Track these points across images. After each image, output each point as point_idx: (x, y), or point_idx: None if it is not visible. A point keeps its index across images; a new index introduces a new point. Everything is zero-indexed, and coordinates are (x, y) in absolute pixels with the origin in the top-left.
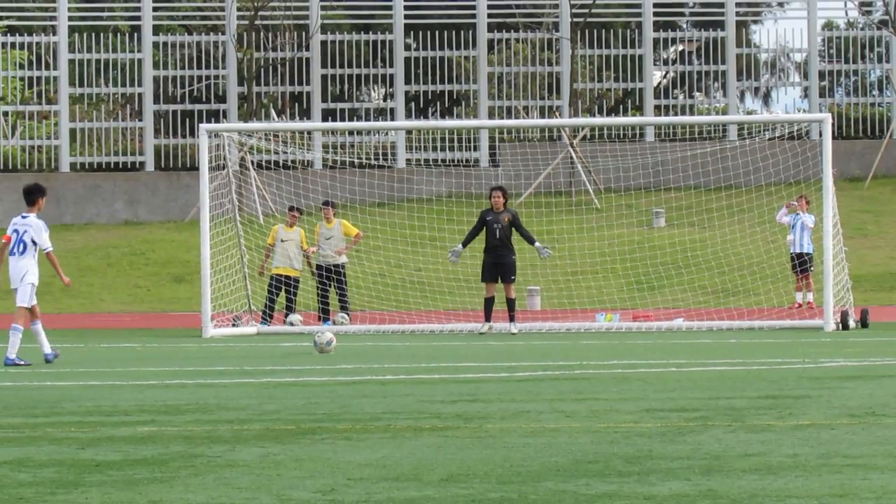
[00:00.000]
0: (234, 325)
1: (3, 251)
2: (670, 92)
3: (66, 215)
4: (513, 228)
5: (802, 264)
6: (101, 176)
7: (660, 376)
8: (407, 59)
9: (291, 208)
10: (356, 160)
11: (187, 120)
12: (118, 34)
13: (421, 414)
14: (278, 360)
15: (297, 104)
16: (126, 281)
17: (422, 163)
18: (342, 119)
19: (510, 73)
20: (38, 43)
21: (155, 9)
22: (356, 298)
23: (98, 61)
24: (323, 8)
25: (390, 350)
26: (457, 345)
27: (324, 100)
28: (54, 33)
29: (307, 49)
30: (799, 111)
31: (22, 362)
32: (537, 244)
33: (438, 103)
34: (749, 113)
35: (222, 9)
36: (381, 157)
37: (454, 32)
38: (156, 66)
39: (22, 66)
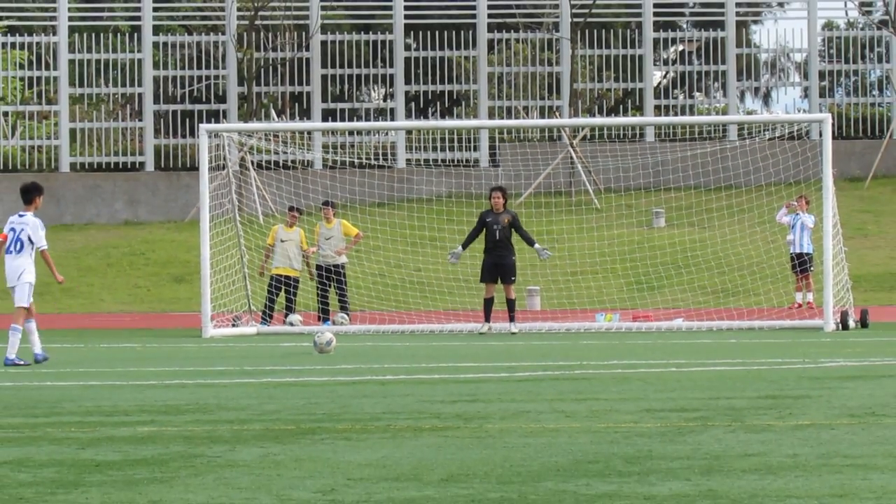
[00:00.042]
0: (233, 326)
1: None
2: (670, 92)
3: (66, 215)
4: (512, 229)
5: (802, 264)
6: (101, 176)
7: (660, 376)
8: (407, 59)
9: (291, 208)
10: (356, 160)
11: (187, 120)
12: (118, 34)
13: (421, 414)
14: (278, 360)
15: (297, 104)
16: (126, 281)
17: (422, 163)
18: (342, 119)
19: (510, 73)
20: (38, 43)
21: (155, 9)
22: (356, 298)
23: (98, 61)
24: (323, 8)
25: (390, 350)
26: (457, 345)
27: (324, 100)
28: (54, 33)
29: (307, 49)
30: (799, 111)
31: (22, 362)
32: (537, 246)
33: (438, 103)
34: (749, 113)
35: (222, 9)
36: (381, 157)
37: (454, 32)
38: (156, 66)
39: (22, 66)
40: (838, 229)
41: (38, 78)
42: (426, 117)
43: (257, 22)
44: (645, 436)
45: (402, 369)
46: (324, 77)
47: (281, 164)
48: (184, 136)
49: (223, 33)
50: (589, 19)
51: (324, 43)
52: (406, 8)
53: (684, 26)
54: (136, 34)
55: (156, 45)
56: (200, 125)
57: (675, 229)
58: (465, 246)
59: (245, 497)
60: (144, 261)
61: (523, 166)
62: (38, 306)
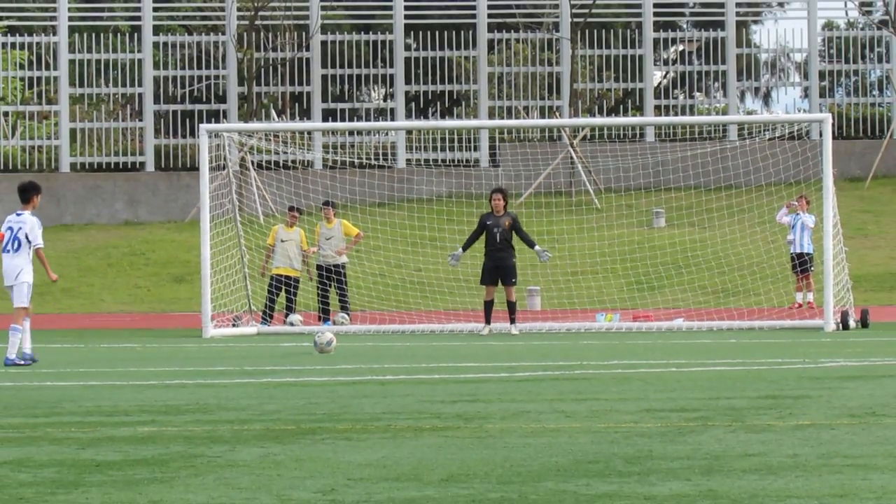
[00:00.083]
0: (234, 326)
1: None
2: (670, 92)
3: (67, 215)
4: (513, 232)
5: (803, 264)
6: (101, 176)
7: (660, 376)
8: (407, 59)
9: (291, 208)
10: (356, 160)
11: (187, 120)
12: (118, 34)
13: (421, 414)
14: (278, 360)
15: (297, 104)
16: (126, 281)
17: (422, 163)
18: (342, 119)
19: (510, 73)
20: (38, 43)
21: (155, 9)
22: (356, 298)
23: (98, 61)
24: (323, 8)
25: (390, 350)
26: (457, 345)
27: (324, 100)
28: (54, 33)
29: (307, 49)
30: (799, 111)
31: (22, 362)
32: (537, 248)
33: (438, 103)
34: (749, 113)
35: (222, 9)
36: (381, 157)
37: (454, 32)
38: (156, 66)
39: (22, 67)
40: (839, 229)
41: (39, 78)
42: (426, 117)
43: (257, 22)
44: (645, 436)
45: (402, 369)
46: (324, 77)
47: (281, 164)
48: (184, 136)
49: (223, 33)
50: (589, 19)
51: (324, 43)
52: (406, 8)
53: (684, 26)
54: (136, 34)
55: (156, 45)
56: (200, 125)
57: (676, 229)
58: (465, 248)
59: (245, 497)
60: (145, 261)
61: (523, 166)
62: (38, 307)
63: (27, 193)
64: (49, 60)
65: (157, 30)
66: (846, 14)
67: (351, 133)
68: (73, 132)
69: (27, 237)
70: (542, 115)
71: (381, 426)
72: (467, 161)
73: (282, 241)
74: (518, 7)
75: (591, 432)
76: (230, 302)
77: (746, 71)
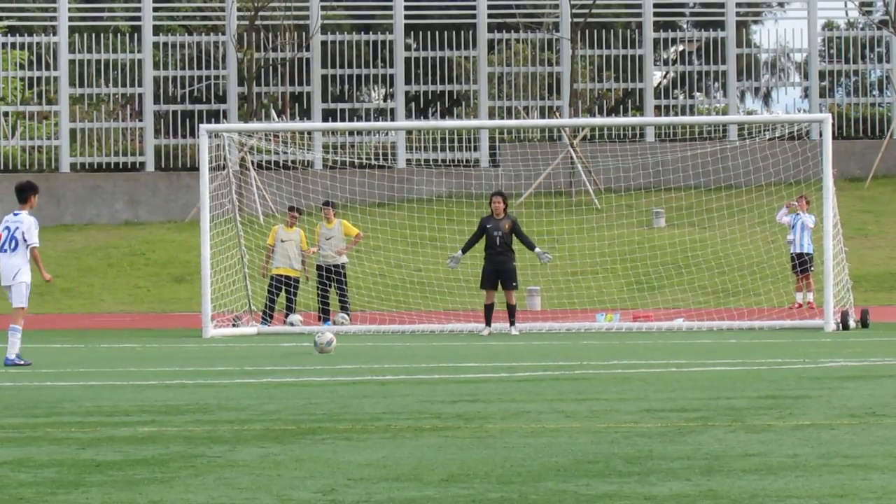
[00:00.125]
0: (234, 326)
1: None
2: (670, 92)
3: (67, 215)
4: (513, 235)
5: (803, 264)
6: (101, 176)
7: (660, 376)
8: (407, 59)
9: (291, 208)
10: (356, 160)
11: (187, 120)
12: (118, 34)
13: (421, 414)
14: (278, 361)
15: (297, 104)
16: (126, 281)
17: (422, 163)
18: (342, 119)
19: (510, 74)
20: (38, 43)
21: (155, 9)
22: (356, 299)
23: (98, 61)
24: (323, 8)
25: (390, 350)
26: (457, 345)
27: (324, 100)
28: (54, 33)
29: (307, 49)
30: (799, 111)
31: (22, 362)
32: (537, 250)
33: (438, 103)
34: (749, 113)
35: (222, 9)
36: (381, 157)
37: (454, 32)
38: (156, 66)
39: (22, 67)
40: (839, 229)
41: (39, 78)
42: (426, 117)
43: (257, 22)
44: (645, 436)
45: (402, 369)
46: (324, 77)
47: (281, 165)
48: (184, 137)
49: (223, 33)
50: (589, 19)
51: (324, 43)
52: (406, 8)
53: (684, 26)
54: (136, 34)
55: (156, 45)
56: (200, 125)
57: (676, 229)
58: (464, 251)
59: (245, 497)
60: (145, 261)
61: (523, 166)
62: (38, 307)
63: (24, 193)
64: (49, 60)
65: (157, 30)
66: (846, 14)
67: (351, 133)
68: (73, 132)
69: (24, 237)
70: (542, 115)
71: (381, 426)
72: (467, 161)
73: (282, 241)
74: (518, 7)
75: (591, 432)
76: (230, 302)
77: (746, 71)
